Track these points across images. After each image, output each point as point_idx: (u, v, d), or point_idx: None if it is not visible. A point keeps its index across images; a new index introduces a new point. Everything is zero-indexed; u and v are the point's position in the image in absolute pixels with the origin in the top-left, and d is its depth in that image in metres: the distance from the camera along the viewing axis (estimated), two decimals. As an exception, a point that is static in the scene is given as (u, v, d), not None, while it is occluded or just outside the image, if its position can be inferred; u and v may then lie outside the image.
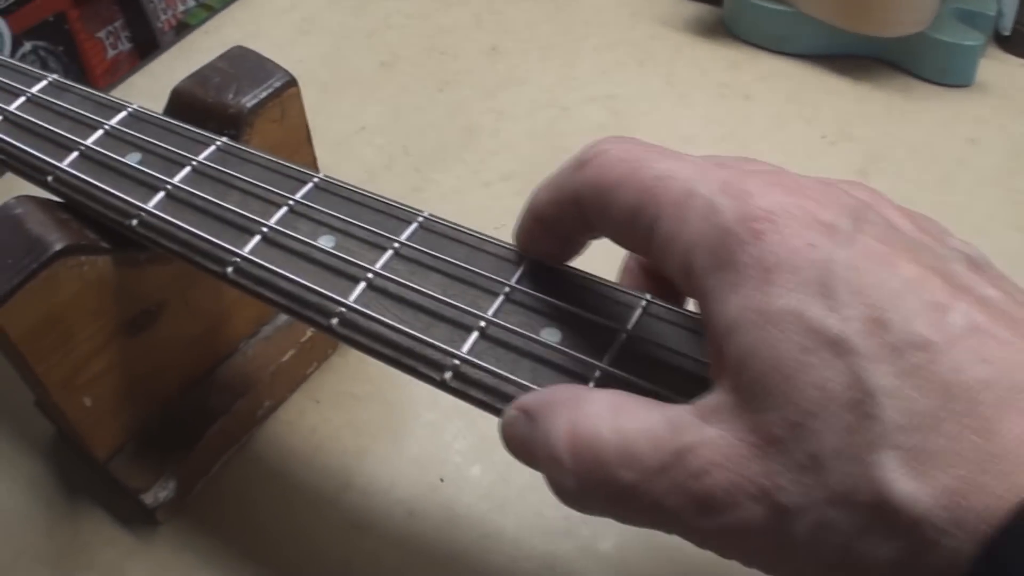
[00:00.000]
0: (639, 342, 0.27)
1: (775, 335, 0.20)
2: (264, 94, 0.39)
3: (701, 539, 0.22)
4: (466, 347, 0.27)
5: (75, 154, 0.36)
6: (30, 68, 0.41)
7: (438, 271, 0.30)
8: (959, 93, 0.63)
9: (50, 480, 0.45)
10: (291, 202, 0.33)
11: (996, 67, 0.64)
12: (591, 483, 0.22)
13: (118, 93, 0.68)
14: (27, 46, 0.64)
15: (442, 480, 0.44)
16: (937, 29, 0.62)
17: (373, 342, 0.29)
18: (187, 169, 0.35)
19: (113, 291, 0.37)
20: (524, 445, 0.25)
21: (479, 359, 0.27)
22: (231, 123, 0.38)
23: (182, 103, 0.40)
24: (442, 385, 0.27)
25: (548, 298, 0.28)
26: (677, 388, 0.25)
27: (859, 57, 0.65)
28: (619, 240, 0.26)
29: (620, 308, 0.28)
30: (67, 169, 0.36)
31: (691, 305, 0.27)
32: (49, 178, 0.36)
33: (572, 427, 0.23)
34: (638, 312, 0.27)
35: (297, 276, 0.30)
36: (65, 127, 0.38)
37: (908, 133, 0.60)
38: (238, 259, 0.31)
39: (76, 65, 0.67)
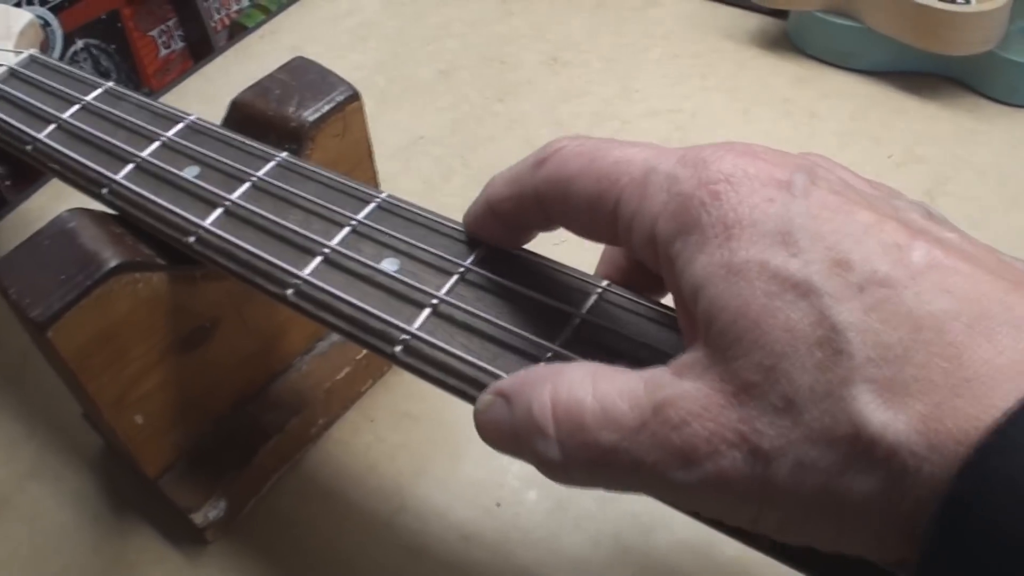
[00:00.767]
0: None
1: (740, 285, 0.21)
2: (326, 108, 0.38)
3: (685, 497, 0.22)
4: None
5: (131, 166, 0.36)
6: (86, 75, 0.40)
7: (504, 298, 0.28)
8: (1030, 114, 0.61)
9: (97, 494, 0.44)
10: (354, 222, 0.31)
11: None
12: (575, 449, 0.23)
13: (172, 97, 0.68)
14: (79, 44, 0.63)
15: (498, 505, 0.43)
16: (1006, 48, 0.60)
17: (437, 371, 0.28)
18: (247, 185, 0.34)
19: (167, 308, 0.36)
20: (502, 428, 0.25)
21: None
22: (292, 137, 0.37)
23: (242, 115, 0.39)
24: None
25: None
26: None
27: (926, 75, 0.64)
28: (583, 231, 0.27)
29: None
30: (122, 182, 0.35)
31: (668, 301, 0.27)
32: (104, 190, 0.35)
33: (554, 396, 0.23)
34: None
35: (360, 301, 0.29)
36: (121, 137, 0.37)
37: (976, 154, 0.58)
38: (299, 281, 0.30)
39: (128, 63, 0.67)
